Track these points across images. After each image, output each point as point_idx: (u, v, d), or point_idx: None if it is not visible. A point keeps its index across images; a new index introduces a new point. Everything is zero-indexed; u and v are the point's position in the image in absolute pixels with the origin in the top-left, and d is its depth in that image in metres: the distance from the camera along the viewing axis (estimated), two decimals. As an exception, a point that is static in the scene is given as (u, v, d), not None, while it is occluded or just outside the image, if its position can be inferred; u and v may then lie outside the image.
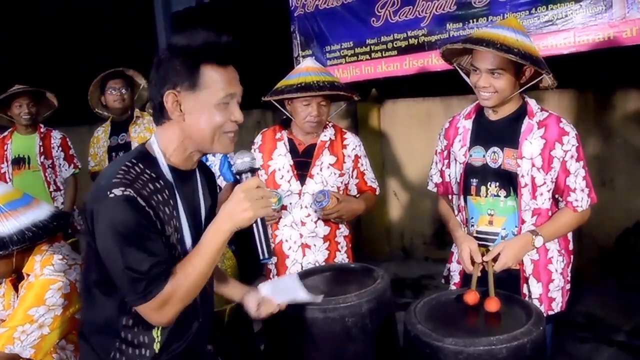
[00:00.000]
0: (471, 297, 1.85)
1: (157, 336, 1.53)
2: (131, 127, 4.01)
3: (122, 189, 1.36)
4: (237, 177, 1.51)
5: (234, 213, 1.41)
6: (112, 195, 1.35)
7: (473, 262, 2.05)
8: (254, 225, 1.47)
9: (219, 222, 1.43)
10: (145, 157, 1.50)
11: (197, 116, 1.45)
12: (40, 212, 2.00)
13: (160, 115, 1.50)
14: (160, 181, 1.47)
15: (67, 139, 4.38)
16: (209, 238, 1.44)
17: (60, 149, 4.30)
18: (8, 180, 4.14)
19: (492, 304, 1.79)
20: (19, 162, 4.21)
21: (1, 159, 4.25)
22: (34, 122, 4.24)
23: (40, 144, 4.23)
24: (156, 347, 1.53)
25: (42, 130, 4.29)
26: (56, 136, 4.32)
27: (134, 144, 3.92)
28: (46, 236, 1.96)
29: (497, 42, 1.92)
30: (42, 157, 4.21)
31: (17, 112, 4.13)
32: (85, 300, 1.58)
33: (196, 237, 1.51)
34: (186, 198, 1.54)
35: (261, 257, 1.50)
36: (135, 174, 1.42)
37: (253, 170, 1.50)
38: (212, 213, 1.64)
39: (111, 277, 1.41)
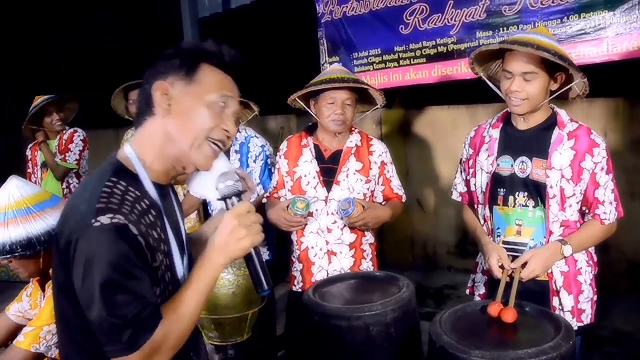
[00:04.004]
0: (495, 308, 1.82)
1: None
2: None
3: (110, 215, 1.16)
4: (224, 202, 1.35)
5: (228, 244, 1.26)
6: (97, 224, 1.15)
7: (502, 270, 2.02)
8: (251, 254, 1.30)
9: (211, 256, 1.27)
10: (125, 173, 1.30)
11: (185, 111, 1.30)
12: None
13: (143, 114, 1.34)
14: (146, 200, 1.28)
15: (76, 134, 4.39)
16: (202, 275, 1.27)
17: (77, 146, 4.37)
18: (39, 185, 4.25)
19: (509, 315, 1.76)
20: (46, 165, 4.34)
21: (34, 166, 4.44)
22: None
23: (57, 144, 4.34)
24: None
25: (64, 133, 4.39)
26: (78, 136, 4.40)
27: None
28: None
29: (534, 44, 1.91)
30: (59, 158, 4.29)
31: (49, 120, 4.29)
32: (68, 343, 1.35)
33: (183, 258, 1.38)
34: (169, 216, 1.37)
35: (261, 290, 1.33)
36: (121, 195, 1.22)
37: (240, 194, 1.34)
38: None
39: (88, 322, 1.18)
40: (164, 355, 1.22)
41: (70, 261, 1.19)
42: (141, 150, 1.33)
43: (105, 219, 1.15)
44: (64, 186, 4.31)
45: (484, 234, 2.21)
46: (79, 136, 4.38)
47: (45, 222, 1.93)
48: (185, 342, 1.27)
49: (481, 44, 4.10)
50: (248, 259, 1.31)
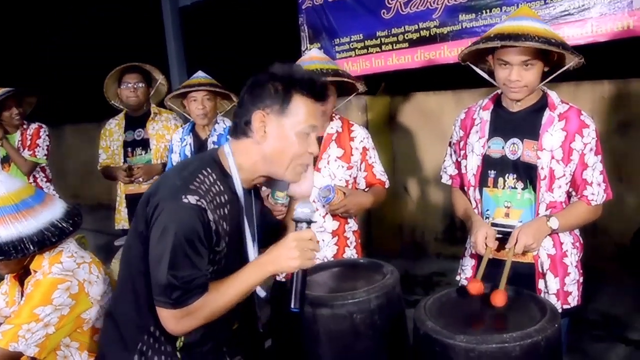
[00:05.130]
0: (475, 287, 1.79)
1: (180, 340, 1.59)
2: (149, 124, 3.96)
3: (197, 197, 1.43)
4: (295, 223, 1.55)
5: (281, 258, 1.46)
6: (185, 200, 1.42)
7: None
8: (295, 274, 1.50)
9: (264, 261, 1.49)
10: (220, 170, 1.56)
11: (278, 140, 1.52)
12: (55, 209, 1.95)
13: (241, 132, 1.55)
14: (226, 196, 1.53)
15: (42, 130, 4.29)
16: (250, 272, 1.50)
17: (44, 141, 4.28)
18: None
19: (499, 298, 1.72)
20: (7, 160, 4.21)
21: None
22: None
23: (20, 138, 4.23)
24: (179, 344, 1.59)
25: (24, 126, 4.27)
26: (44, 131, 4.29)
27: (152, 141, 3.91)
28: (65, 237, 1.92)
29: (534, 35, 1.89)
30: (28, 153, 4.19)
31: (8, 115, 4.15)
32: (123, 285, 1.62)
33: (257, 251, 1.63)
34: (248, 213, 1.61)
35: (292, 306, 1.51)
36: (209, 185, 1.49)
37: (310, 222, 1.53)
38: (261, 221, 1.73)
39: (151, 272, 1.46)
40: (195, 321, 1.47)
41: (153, 219, 1.45)
42: (237, 157, 1.57)
43: (192, 199, 1.43)
44: (31, 180, 4.22)
45: (472, 211, 2.19)
46: (44, 131, 4.29)
47: (36, 221, 1.86)
48: (215, 318, 1.50)
49: (464, 27, 4.07)
50: (292, 276, 1.51)
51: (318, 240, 2.44)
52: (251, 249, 1.62)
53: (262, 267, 1.49)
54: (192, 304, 1.44)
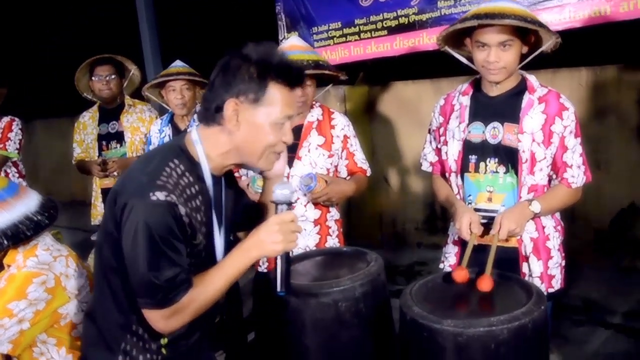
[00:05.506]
0: (460, 274, 1.77)
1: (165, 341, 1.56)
2: (123, 116, 3.87)
3: (165, 193, 1.37)
4: (275, 205, 1.51)
5: (264, 243, 1.43)
6: (154, 197, 1.35)
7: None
8: (279, 257, 1.47)
9: (247, 247, 1.45)
10: (188, 159, 1.49)
11: (251, 130, 1.46)
12: (30, 201, 1.88)
13: (211, 118, 1.48)
14: (196, 186, 1.48)
15: (14, 123, 4.10)
16: (234, 259, 1.46)
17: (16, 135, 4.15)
18: None
19: (485, 283, 1.71)
20: None
21: None
22: None
23: None
24: (163, 342, 1.55)
25: None
26: (16, 124, 4.15)
27: (127, 134, 3.83)
28: (41, 230, 1.85)
29: (510, 14, 1.88)
30: None
31: None
32: (99, 286, 1.57)
33: (225, 240, 1.59)
34: (216, 202, 1.56)
35: (278, 289, 1.48)
36: (177, 177, 1.43)
37: (290, 204, 1.50)
38: (236, 205, 1.70)
39: (128, 274, 1.41)
40: (184, 317, 1.43)
41: (122, 219, 1.38)
42: (207, 146, 1.50)
43: (161, 195, 1.36)
44: (2, 175, 4.09)
45: (455, 197, 2.18)
46: (17, 125, 4.14)
47: (9, 214, 1.79)
48: (204, 310, 1.47)
49: (443, 13, 4.06)
50: (276, 260, 1.48)
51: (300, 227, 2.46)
52: (217, 239, 1.58)
53: (246, 253, 1.45)
54: (179, 301, 1.40)
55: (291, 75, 1.47)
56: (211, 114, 1.47)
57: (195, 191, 1.47)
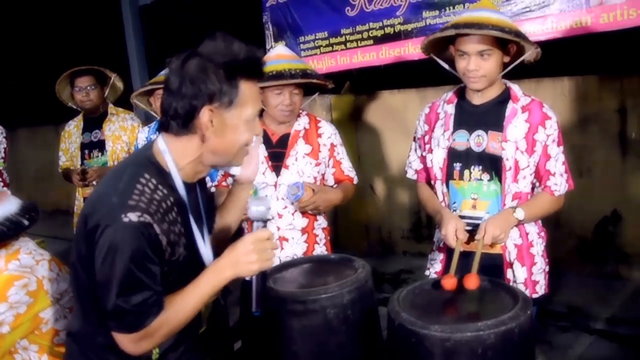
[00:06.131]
0: (449, 282, 1.78)
1: (156, 351, 1.50)
2: (105, 125, 3.87)
3: (138, 214, 1.31)
4: (253, 222, 1.48)
5: (239, 262, 1.39)
6: (126, 219, 1.30)
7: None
8: (255, 276, 1.44)
9: (221, 266, 1.41)
10: (158, 170, 1.43)
11: (226, 133, 1.41)
12: (9, 205, 1.88)
13: (181, 128, 1.40)
14: (171, 198, 1.42)
15: (4, 134, 4.13)
16: (207, 279, 1.41)
17: (1, 144, 4.13)
18: None
19: (471, 281, 1.73)
20: None
21: None
22: None
23: None
24: (155, 356, 1.50)
25: None
26: (0, 133, 4.15)
27: (109, 143, 3.82)
28: (21, 231, 1.85)
29: (488, 24, 1.92)
30: None
31: None
32: (79, 306, 1.52)
33: (207, 245, 1.54)
34: (193, 210, 1.51)
35: (253, 309, 1.46)
36: (150, 193, 1.37)
37: (265, 222, 1.47)
38: (210, 214, 1.65)
39: (99, 297, 1.36)
40: (155, 340, 1.39)
41: (94, 241, 1.32)
42: (176, 154, 1.44)
43: (133, 216, 1.30)
44: None
45: (440, 205, 2.20)
46: (1, 133, 4.13)
47: None
48: (176, 332, 1.43)
49: (428, 24, 4.11)
50: (251, 278, 1.45)
51: (288, 238, 2.47)
52: (202, 247, 1.52)
53: (220, 273, 1.41)
54: (149, 325, 1.35)
55: (259, 67, 1.44)
56: (180, 123, 1.40)
57: (171, 203, 1.42)
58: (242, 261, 1.38)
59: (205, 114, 1.37)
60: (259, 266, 1.39)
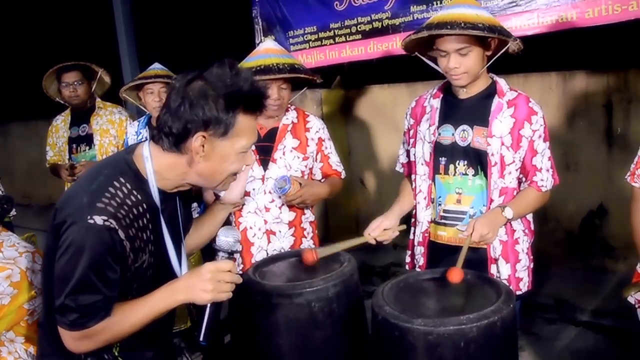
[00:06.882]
0: (456, 275, 1.75)
1: (116, 351, 1.51)
2: (93, 119, 3.86)
3: (105, 217, 1.32)
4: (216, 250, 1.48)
5: (193, 289, 1.37)
6: (92, 221, 1.31)
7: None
8: (208, 306, 1.42)
9: (175, 288, 1.40)
10: (135, 176, 1.44)
11: (215, 161, 1.42)
12: None
13: (172, 145, 1.41)
14: (144, 204, 1.43)
15: None
16: (160, 298, 1.40)
17: None
18: None
19: (455, 275, 1.74)
20: None
21: None
22: None
23: None
24: (115, 350, 1.51)
25: None
26: None
27: (96, 137, 3.81)
28: None
29: (460, 22, 1.90)
30: None
31: None
32: (48, 300, 1.49)
33: (180, 258, 1.54)
34: (169, 218, 1.51)
35: (200, 338, 1.44)
36: (121, 199, 1.37)
37: (231, 253, 1.46)
38: (188, 220, 1.66)
39: (51, 285, 1.38)
40: (96, 343, 1.39)
41: (59, 235, 1.34)
42: (160, 167, 1.44)
43: (99, 219, 1.31)
44: None
45: (397, 202, 2.29)
46: None
47: None
48: (118, 341, 1.44)
49: (415, 18, 4.10)
50: (203, 307, 1.43)
51: (275, 231, 2.47)
52: (173, 256, 1.52)
53: (173, 295, 1.40)
54: (90, 327, 1.35)
55: (260, 102, 1.44)
56: (172, 141, 1.41)
57: (143, 209, 1.42)
58: (198, 288, 1.37)
59: (197, 139, 1.38)
60: (212, 297, 1.37)
